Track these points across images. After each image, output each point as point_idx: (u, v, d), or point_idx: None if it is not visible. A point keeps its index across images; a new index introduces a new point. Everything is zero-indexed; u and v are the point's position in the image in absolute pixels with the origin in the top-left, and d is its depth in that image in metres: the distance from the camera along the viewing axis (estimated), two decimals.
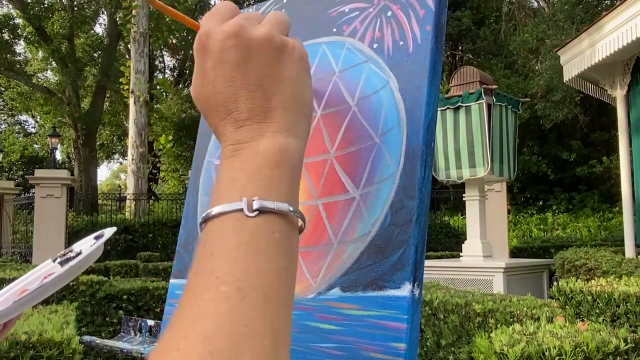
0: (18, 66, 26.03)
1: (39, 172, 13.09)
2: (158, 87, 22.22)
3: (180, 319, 0.39)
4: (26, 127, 35.48)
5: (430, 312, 3.88)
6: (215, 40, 0.49)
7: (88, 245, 0.75)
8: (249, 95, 0.48)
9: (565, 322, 2.67)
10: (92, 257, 0.71)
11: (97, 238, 0.76)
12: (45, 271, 0.76)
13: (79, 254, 0.74)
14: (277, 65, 0.50)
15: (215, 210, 0.44)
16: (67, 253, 0.77)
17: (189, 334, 0.37)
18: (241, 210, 0.43)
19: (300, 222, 0.48)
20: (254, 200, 0.44)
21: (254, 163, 0.46)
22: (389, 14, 0.73)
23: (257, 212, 0.43)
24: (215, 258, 0.41)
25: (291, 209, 0.45)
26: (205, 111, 0.51)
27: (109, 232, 0.75)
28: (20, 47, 28.54)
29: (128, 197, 16.61)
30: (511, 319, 3.25)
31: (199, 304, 0.39)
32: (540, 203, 18.88)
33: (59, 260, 0.77)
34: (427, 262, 6.51)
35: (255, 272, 0.41)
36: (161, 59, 31.00)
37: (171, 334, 0.38)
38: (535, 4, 21.97)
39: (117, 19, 23.14)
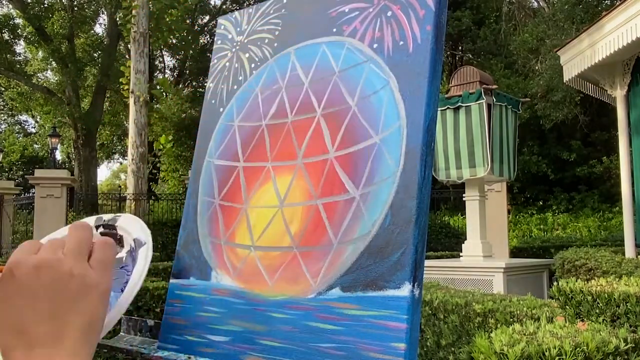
0: (18, 66, 26.02)
1: (39, 172, 13.09)
2: (158, 87, 22.21)
3: None
4: (26, 127, 35.48)
5: (430, 312, 3.88)
6: (24, 269, 0.52)
7: (128, 243, 0.75)
8: (46, 323, 0.51)
9: (565, 322, 2.67)
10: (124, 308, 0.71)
11: (136, 241, 0.75)
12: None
13: (120, 240, 0.74)
14: (76, 299, 0.53)
15: None
16: (110, 227, 0.77)
17: None
18: None
19: None
20: None
21: None
22: (389, 14, 0.73)
23: None
24: None
25: None
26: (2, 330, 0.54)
27: (145, 245, 0.74)
28: (20, 47, 28.54)
29: (128, 197, 16.60)
30: (511, 319, 3.25)
31: None
32: (540, 203, 18.88)
33: (101, 230, 0.77)
34: (427, 262, 6.50)
35: None
36: (161, 59, 30.99)
37: None
38: (535, 4, 21.96)
39: (117, 19, 23.13)
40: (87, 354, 0.54)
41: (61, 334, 0.52)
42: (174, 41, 25.38)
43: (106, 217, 0.79)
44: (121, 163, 38.54)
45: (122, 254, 0.73)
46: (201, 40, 28.16)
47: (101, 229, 0.77)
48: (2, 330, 0.53)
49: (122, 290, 0.71)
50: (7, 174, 29.90)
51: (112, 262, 0.57)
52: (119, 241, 0.75)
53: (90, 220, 0.78)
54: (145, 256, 0.73)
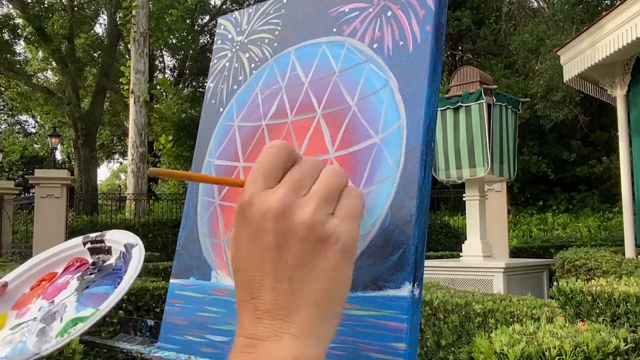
0: (18, 66, 26.03)
1: (39, 172, 13.09)
2: (158, 87, 22.22)
3: None
4: (26, 127, 35.51)
5: (430, 312, 3.88)
6: (255, 214, 0.44)
7: (118, 250, 0.75)
8: (274, 286, 0.43)
9: (565, 322, 2.68)
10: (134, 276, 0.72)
11: (127, 246, 0.76)
12: (73, 253, 0.76)
13: (108, 251, 0.75)
14: (312, 258, 0.43)
15: None
16: (99, 242, 0.77)
17: None
18: None
19: None
20: None
21: None
22: (389, 14, 0.73)
23: None
24: None
25: None
26: (234, 279, 0.46)
27: (139, 243, 0.75)
28: (20, 47, 28.55)
29: (128, 197, 16.61)
30: (511, 319, 3.25)
31: None
32: (540, 203, 18.89)
33: (89, 245, 0.77)
34: (427, 262, 6.51)
35: None
36: (161, 59, 31.00)
37: None
38: (535, 4, 21.97)
39: (117, 19, 23.14)
40: (326, 334, 0.44)
41: (294, 304, 0.43)
42: (174, 41, 25.39)
43: (93, 235, 0.80)
44: (121, 163, 38.56)
45: (112, 260, 0.74)
46: (201, 40, 28.16)
47: (89, 245, 0.78)
48: (237, 279, 0.46)
49: (117, 285, 0.71)
50: (7, 174, 29.91)
51: (360, 216, 0.47)
52: (107, 251, 0.76)
53: (77, 239, 0.78)
54: (139, 252, 0.74)
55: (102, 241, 0.78)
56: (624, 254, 7.36)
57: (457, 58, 22.77)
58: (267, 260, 0.43)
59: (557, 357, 2.01)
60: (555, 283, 3.18)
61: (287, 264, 0.43)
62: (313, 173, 0.46)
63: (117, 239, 0.78)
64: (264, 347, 0.41)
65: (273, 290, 0.43)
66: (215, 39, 1.04)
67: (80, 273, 0.74)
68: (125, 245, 0.76)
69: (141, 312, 5.09)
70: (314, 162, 0.47)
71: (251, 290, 0.43)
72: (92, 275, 0.73)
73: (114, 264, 0.75)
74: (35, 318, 0.70)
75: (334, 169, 0.47)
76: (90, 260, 0.74)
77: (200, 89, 27.31)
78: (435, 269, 7.18)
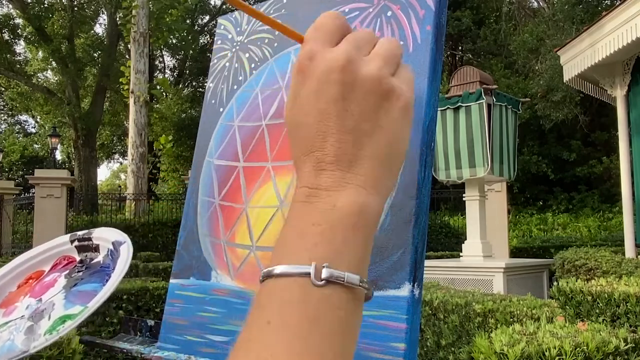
0: (18, 66, 26.03)
1: (39, 172, 13.09)
2: (158, 87, 22.23)
3: None
4: (26, 127, 35.51)
5: (430, 312, 3.88)
6: (318, 67, 0.44)
7: (106, 247, 0.75)
8: (339, 138, 0.43)
9: (565, 322, 2.68)
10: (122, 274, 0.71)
11: (115, 244, 0.76)
12: (60, 251, 0.75)
13: (95, 249, 0.75)
14: (377, 111, 0.44)
15: (279, 269, 0.40)
16: (86, 239, 0.77)
17: None
18: (308, 275, 0.39)
19: (367, 294, 0.43)
20: (323, 267, 0.39)
21: (329, 220, 0.41)
22: (389, 14, 0.73)
23: (325, 281, 0.39)
24: (272, 329, 0.38)
25: (361, 282, 0.41)
26: (291, 136, 0.46)
27: (125, 243, 0.75)
28: (20, 47, 28.55)
29: (128, 197, 16.61)
30: (511, 319, 3.25)
31: None
32: (540, 203, 18.89)
33: (76, 243, 0.77)
34: (427, 262, 6.50)
35: (315, 356, 0.37)
36: (161, 59, 30.99)
37: None
38: (535, 4, 21.97)
39: (117, 19, 23.14)
40: (387, 187, 0.45)
41: (356, 154, 0.43)
42: (174, 41, 25.39)
43: (80, 233, 0.80)
44: (121, 163, 38.56)
45: (99, 258, 0.73)
46: (201, 40, 28.17)
47: (76, 243, 0.78)
48: (294, 137, 0.46)
49: (105, 282, 0.71)
50: (7, 174, 29.91)
51: (413, 83, 0.48)
52: (95, 249, 0.75)
53: (64, 237, 0.78)
54: (127, 250, 0.74)
55: (89, 239, 0.78)
56: (624, 254, 7.36)
57: (457, 58, 22.77)
58: (332, 112, 0.43)
59: (557, 357, 2.01)
60: (555, 283, 3.18)
61: (353, 116, 0.43)
62: (371, 39, 0.47)
63: (105, 236, 0.78)
64: (329, 195, 0.42)
65: (338, 142, 0.43)
66: (215, 39, 1.04)
67: (67, 271, 0.73)
68: (113, 243, 0.76)
69: (141, 312, 5.09)
70: (370, 31, 0.48)
71: (314, 143, 0.43)
72: (80, 273, 0.73)
73: (101, 262, 0.74)
74: (23, 316, 0.70)
75: (391, 38, 0.49)
76: (78, 258, 0.74)
77: (200, 89, 27.32)
78: (435, 269, 7.18)
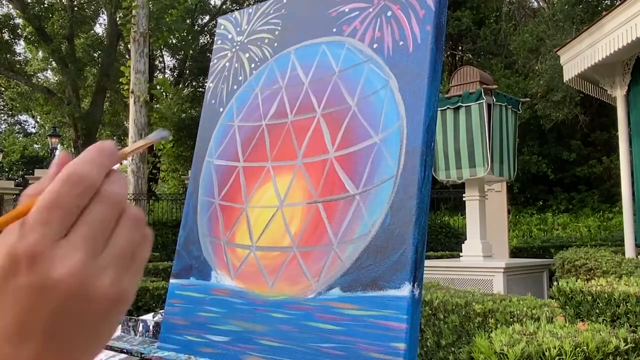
0: (18, 66, 26.02)
1: (39, 172, 13.10)
2: (158, 87, 22.22)
3: None
4: (26, 127, 35.50)
5: (430, 312, 3.88)
6: (40, 276, 0.33)
7: None
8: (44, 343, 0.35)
9: (565, 322, 2.68)
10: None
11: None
12: None
13: None
14: (103, 324, 0.37)
15: None
16: None
17: None
18: None
19: None
20: None
21: None
22: (389, 14, 0.73)
23: None
24: None
25: None
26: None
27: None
28: (20, 47, 28.56)
29: (128, 197, 16.62)
30: (511, 319, 3.25)
31: None
32: (540, 203, 18.89)
33: None
34: (427, 262, 6.51)
35: None
36: (161, 59, 30.99)
37: None
38: (535, 4, 21.97)
39: (117, 19, 23.14)
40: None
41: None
42: (174, 41, 25.38)
43: None
44: (121, 163, 38.49)
45: None
46: (201, 40, 28.16)
47: None
48: None
49: None
50: (7, 174, 29.90)
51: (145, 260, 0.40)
52: None
53: None
54: None
55: None
56: (624, 254, 7.36)
57: (457, 58, 22.77)
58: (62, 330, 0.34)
59: (557, 357, 2.01)
60: (555, 283, 3.18)
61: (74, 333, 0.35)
62: (110, 223, 0.37)
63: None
64: None
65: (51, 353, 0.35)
66: (215, 39, 1.04)
67: None
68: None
69: (141, 312, 5.10)
70: (114, 205, 0.37)
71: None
72: None
73: None
74: None
75: (134, 216, 0.39)
76: None
77: (200, 89, 27.31)
78: (435, 269, 7.18)
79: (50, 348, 0.34)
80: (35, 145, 33.77)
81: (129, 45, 19.64)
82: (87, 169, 0.36)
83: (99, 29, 33.42)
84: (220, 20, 1.05)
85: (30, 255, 0.32)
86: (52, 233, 0.33)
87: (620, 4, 6.98)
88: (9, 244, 0.33)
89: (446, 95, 7.57)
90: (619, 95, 7.94)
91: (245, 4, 25.67)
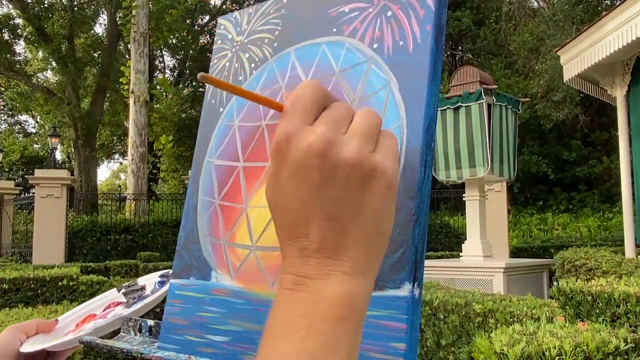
0: (18, 66, 26.04)
1: (39, 172, 13.09)
2: (158, 87, 22.22)
3: None
4: (26, 127, 35.52)
5: (430, 312, 3.88)
6: (297, 151, 0.42)
7: (153, 282, 0.77)
8: (322, 224, 0.42)
9: (565, 322, 2.68)
10: (156, 301, 0.73)
11: (162, 277, 0.77)
12: (110, 299, 0.79)
13: (142, 288, 0.77)
14: (360, 194, 0.43)
15: None
16: (132, 285, 0.80)
17: None
18: None
19: None
20: None
21: (317, 312, 0.41)
22: (389, 13, 0.73)
23: None
24: None
25: None
26: (275, 217, 0.45)
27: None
28: (20, 47, 28.56)
29: (128, 197, 16.62)
30: (511, 319, 3.25)
31: None
32: (540, 203, 18.90)
33: (123, 291, 0.79)
34: (427, 262, 6.51)
35: None
36: (161, 59, 31.00)
37: None
38: (535, 4, 21.97)
39: (117, 19, 23.15)
40: (373, 270, 0.44)
41: (342, 243, 0.42)
42: (174, 41, 25.40)
43: (125, 284, 0.83)
44: (121, 163, 38.57)
45: (148, 291, 0.75)
46: (201, 40, 28.17)
47: (123, 290, 0.80)
48: (278, 217, 0.45)
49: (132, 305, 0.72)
50: (7, 174, 29.91)
51: (397, 149, 0.47)
52: (142, 289, 0.78)
53: (112, 290, 0.81)
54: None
55: (135, 284, 0.81)
56: (624, 254, 7.36)
57: (457, 58, 22.78)
58: (314, 198, 0.42)
59: (557, 357, 2.01)
60: (555, 283, 3.18)
61: (335, 202, 0.42)
62: (348, 114, 0.46)
63: (150, 277, 0.80)
64: (315, 285, 0.41)
65: (321, 229, 0.42)
66: (215, 39, 1.04)
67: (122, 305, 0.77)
68: (161, 276, 0.78)
69: None
70: (347, 105, 0.47)
71: (297, 228, 0.42)
72: (135, 300, 0.76)
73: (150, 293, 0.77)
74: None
75: (369, 109, 0.47)
76: (125, 300, 0.77)
77: (200, 89, 27.31)
78: (435, 269, 7.18)
79: (328, 226, 0.42)
80: (35, 145, 33.78)
81: (129, 45, 19.64)
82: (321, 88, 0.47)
83: (99, 29, 33.42)
84: (220, 20, 1.05)
85: (286, 137, 0.42)
86: (300, 121, 0.43)
87: (620, 4, 6.99)
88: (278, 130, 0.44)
89: (446, 95, 7.57)
90: (619, 95, 7.94)
91: (245, 4, 25.68)
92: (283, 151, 0.43)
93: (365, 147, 0.43)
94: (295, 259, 0.42)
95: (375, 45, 0.75)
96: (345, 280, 0.41)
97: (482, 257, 7.30)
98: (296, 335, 0.40)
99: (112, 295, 0.80)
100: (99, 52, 25.83)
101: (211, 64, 1.04)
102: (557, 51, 8.90)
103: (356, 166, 0.42)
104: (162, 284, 0.75)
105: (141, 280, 0.80)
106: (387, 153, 0.45)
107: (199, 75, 0.47)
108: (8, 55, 24.05)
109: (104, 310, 0.74)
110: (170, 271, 0.76)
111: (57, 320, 0.75)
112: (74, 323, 0.74)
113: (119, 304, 0.76)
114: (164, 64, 31.76)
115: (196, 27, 27.85)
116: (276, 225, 0.45)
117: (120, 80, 18.35)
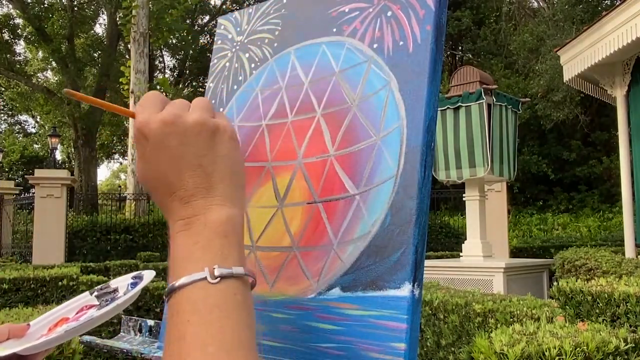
0: (18, 66, 26.03)
1: (39, 172, 13.09)
2: (158, 87, 22.20)
3: None
4: (26, 127, 35.50)
5: (430, 312, 3.88)
6: (154, 127, 0.54)
7: (125, 284, 0.77)
8: (190, 174, 0.53)
9: (565, 322, 2.67)
10: (128, 302, 0.73)
11: (135, 278, 0.77)
12: (83, 302, 0.79)
13: (115, 290, 0.77)
14: (212, 145, 0.55)
15: (179, 282, 0.50)
16: (104, 288, 0.80)
17: None
18: (204, 279, 0.49)
19: (251, 280, 0.53)
20: (214, 268, 0.49)
21: (206, 235, 0.51)
22: (389, 13, 0.73)
23: (219, 278, 0.49)
24: (193, 324, 0.47)
25: (245, 272, 0.51)
26: (151, 190, 0.56)
27: (148, 276, 0.78)
28: (20, 47, 28.55)
29: (128, 197, 16.60)
30: (511, 319, 3.25)
31: None
32: (540, 203, 18.89)
33: (96, 294, 0.79)
34: (427, 262, 6.51)
35: (230, 330, 0.47)
36: (161, 59, 30.99)
37: None
38: (535, 4, 21.97)
39: (117, 19, 23.14)
40: (240, 198, 0.56)
41: (210, 183, 0.53)
42: (174, 41, 25.39)
43: (98, 287, 0.82)
44: (121, 163, 38.57)
45: (121, 293, 0.75)
46: (201, 40, 28.16)
47: (96, 293, 0.80)
48: (154, 188, 0.55)
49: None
50: (7, 174, 29.89)
51: (230, 121, 0.59)
52: (115, 291, 0.78)
53: (85, 293, 0.81)
54: (149, 276, 0.76)
55: (107, 286, 0.81)
56: (624, 254, 7.36)
57: (457, 58, 22.78)
58: (178, 158, 0.53)
59: (557, 357, 2.01)
60: (555, 283, 3.18)
61: (195, 155, 0.54)
62: (187, 104, 0.58)
63: (122, 279, 0.81)
64: (199, 219, 0.52)
65: (191, 178, 0.53)
66: (215, 39, 1.04)
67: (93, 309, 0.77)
68: (133, 277, 0.78)
69: (141, 312, 5.09)
70: (183, 100, 0.58)
71: (172, 184, 0.54)
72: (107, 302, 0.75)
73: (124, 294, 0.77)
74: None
75: (200, 98, 0.60)
76: (98, 302, 0.77)
77: (200, 89, 27.32)
78: (435, 269, 7.18)
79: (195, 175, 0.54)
80: (35, 145, 33.76)
81: (129, 45, 19.63)
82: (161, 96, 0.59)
83: (99, 29, 33.42)
84: (220, 20, 1.05)
85: (144, 122, 0.54)
86: (151, 110, 0.55)
87: (620, 4, 6.99)
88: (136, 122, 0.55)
89: (446, 95, 7.57)
90: (619, 95, 7.94)
91: (245, 4, 25.66)
92: (145, 133, 0.54)
93: (205, 114, 0.56)
94: (179, 208, 0.53)
95: (375, 45, 0.75)
96: (221, 208, 0.53)
97: (482, 257, 7.30)
98: (196, 256, 0.50)
99: (85, 298, 0.80)
100: (99, 52, 25.82)
101: (211, 64, 1.04)
102: (557, 51, 8.90)
103: (202, 125, 0.54)
104: (134, 285, 0.76)
105: (113, 283, 0.80)
106: (223, 117, 0.58)
107: (64, 90, 0.59)
108: (8, 55, 24.04)
109: (77, 314, 0.75)
110: (142, 272, 0.76)
111: (28, 325, 0.76)
112: (47, 327, 0.74)
113: (91, 306, 0.76)
114: (164, 64, 31.75)
115: (196, 27, 27.85)
116: (154, 194, 0.56)
117: (120, 80, 18.33)
